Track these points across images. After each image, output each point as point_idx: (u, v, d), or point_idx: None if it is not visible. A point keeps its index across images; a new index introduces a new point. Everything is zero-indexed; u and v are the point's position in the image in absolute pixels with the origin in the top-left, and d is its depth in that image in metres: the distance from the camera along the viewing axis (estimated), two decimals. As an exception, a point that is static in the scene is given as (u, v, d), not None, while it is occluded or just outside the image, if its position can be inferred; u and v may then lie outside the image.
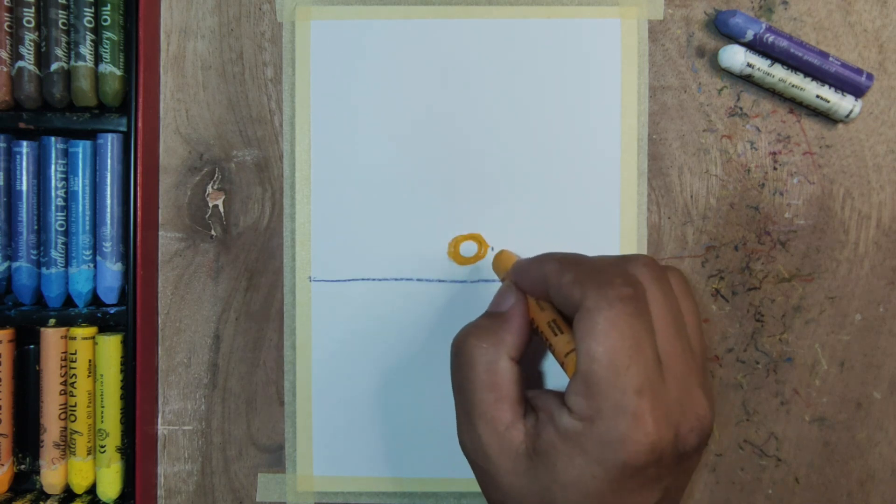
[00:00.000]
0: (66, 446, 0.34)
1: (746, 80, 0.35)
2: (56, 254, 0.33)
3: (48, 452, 0.33)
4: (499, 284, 0.35)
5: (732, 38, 0.34)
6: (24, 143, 0.33)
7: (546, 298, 0.27)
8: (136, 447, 0.33)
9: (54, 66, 0.32)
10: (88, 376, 0.33)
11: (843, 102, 0.34)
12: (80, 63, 0.32)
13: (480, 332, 0.27)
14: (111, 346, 0.33)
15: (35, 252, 0.33)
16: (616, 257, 0.26)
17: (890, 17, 0.35)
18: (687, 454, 0.24)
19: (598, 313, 0.23)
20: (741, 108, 0.35)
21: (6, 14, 0.32)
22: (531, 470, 0.24)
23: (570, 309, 0.24)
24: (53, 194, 0.33)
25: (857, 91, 0.34)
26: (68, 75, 0.33)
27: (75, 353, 0.33)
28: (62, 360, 0.33)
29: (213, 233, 0.35)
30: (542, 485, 0.23)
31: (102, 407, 0.33)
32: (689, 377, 0.24)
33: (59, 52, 0.32)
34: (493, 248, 0.35)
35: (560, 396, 0.24)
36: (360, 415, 0.35)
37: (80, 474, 0.33)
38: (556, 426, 0.23)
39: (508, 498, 0.25)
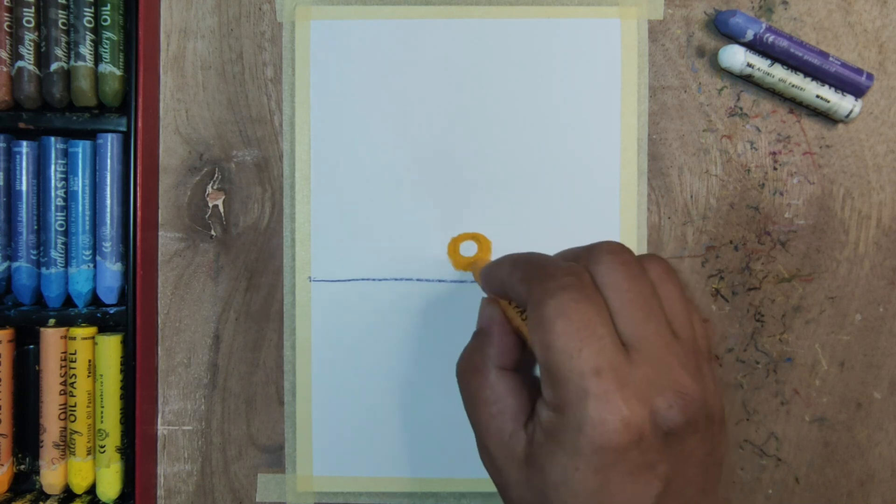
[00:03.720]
0: (65, 446, 0.34)
1: (746, 80, 0.35)
2: (56, 254, 0.33)
3: (48, 452, 0.33)
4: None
5: (732, 38, 0.34)
6: (24, 143, 0.33)
7: (510, 300, 0.27)
8: (135, 447, 0.33)
9: (54, 66, 0.32)
10: (88, 376, 0.33)
11: (843, 102, 0.34)
12: (80, 63, 0.32)
13: (467, 353, 0.27)
14: (111, 346, 0.33)
15: (35, 252, 0.33)
16: (579, 248, 0.26)
17: (890, 17, 0.35)
18: (675, 434, 0.22)
19: (543, 304, 0.23)
20: (741, 108, 0.35)
21: (6, 14, 0.32)
22: (529, 476, 0.24)
23: (522, 306, 0.24)
24: (53, 194, 0.33)
25: (857, 91, 0.34)
26: (68, 75, 0.33)
27: (75, 353, 0.33)
28: (62, 360, 0.33)
29: (212, 233, 0.35)
30: (538, 490, 0.23)
31: (102, 407, 0.33)
32: (665, 358, 0.23)
33: (59, 52, 0.32)
34: (493, 247, 0.35)
35: None
36: (359, 415, 0.35)
37: (79, 474, 0.33)
38: (541, 424, 0.23)
39: None
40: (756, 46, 0.34)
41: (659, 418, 0.22)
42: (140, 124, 0.33)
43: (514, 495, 0.24)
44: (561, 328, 0.22)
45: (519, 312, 0.27)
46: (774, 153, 0.35)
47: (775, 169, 0.35)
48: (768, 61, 0.34)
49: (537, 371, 0.29)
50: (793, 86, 0.34)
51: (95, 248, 0.33)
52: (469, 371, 0.27)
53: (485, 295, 0.29)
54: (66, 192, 0.33)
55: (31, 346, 0.34)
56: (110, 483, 0.33)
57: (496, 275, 0.27)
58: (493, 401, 0.25)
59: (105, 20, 0.32)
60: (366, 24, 0.35)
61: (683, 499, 0.23)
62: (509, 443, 0.24)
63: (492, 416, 0.25)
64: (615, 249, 0.25)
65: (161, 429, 0.36)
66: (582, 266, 0.24)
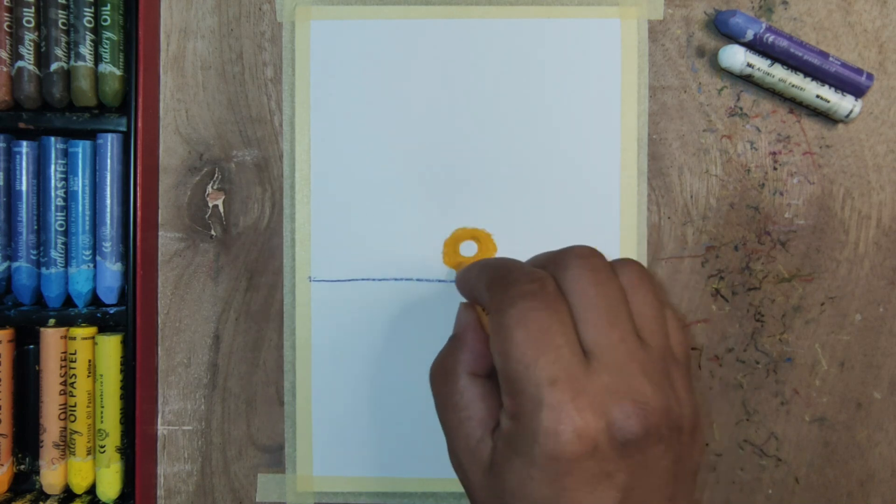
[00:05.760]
0: (65, 446, 0.34)
1: (746, 80, 0.35)
2: (56, 254, 0.33)
3: (48, 452, 0.33)
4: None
5: (732, 37, 0.34)
6: (24, 143, 0.33)
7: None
8: (135, 447, 0.33)
9: (54, 66, 0.32)
10: (88, 376, 0.33)
11: (843, 102, 0.34)
12: (80, 63, 0.32)
13: (440, 357, 0.27)
14: (111, 346, 0.33)
15: (35, 252, 0.33)
16: (549, 253, 0.26)
17: (890, 17, 0.35)
18: (634, 443, 0.22)
19: (503, 313, 0.23)
20: (741, 108, 0.35)
21: (6, 14, 0.32)
22: (491, 482, 0.24)
23: (487, 311, 0.25)
24: (53, 194, 0.33)
25: (857, 91, 0.34)
26: (68, 75, 0.33)
27: (75, 353, 0.33)
28: (62, 360, 0.33)
29: (212, 233, 0.35)
30: (498, 496, 0.23)
31: (102, 407, 0.33)
32: (627, 366, 0.23)
33: (59, 52, 0.32)
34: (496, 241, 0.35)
35: None
36: (360, 415, 0.35)
37: (79, 474, 0.33)
38: (501, 432, 0.23)
39: None
40: (756, 46, 0.34)
41: (615, 429, 0.22)
42: (140, 124, 0.33)
43: (479, 500, 0.25)
44: (519, 337, 0.22)
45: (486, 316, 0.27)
46: (774, 153, 0.35)
47: (775, 169, 0.35)
48: (768, 61, 0.34)
49: None
50: (793, 86, 0.34)
51: (95, 248, 0.33)
52: (440, 375, 0.27)
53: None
54: (66, 192, 0.33)
55: (31, 346, 0.34)
56: (110, 483, 0.33)
57: (466, 279, 0.27)
58: (462, 406, 0.25)
59: (105, 20, 0.32)
60: (366, 24, 0.35)
61: None
62: (475, 448, 0.25)
63: (460, 420, 0.25)
64: (583, 254, 0.24)
65: (161, 429, 0.36)
66: (548, 272, 0.24)
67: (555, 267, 0.24)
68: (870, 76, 0.34)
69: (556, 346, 0.22)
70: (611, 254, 0.34)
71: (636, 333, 0.24)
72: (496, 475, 0.23)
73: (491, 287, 0.24)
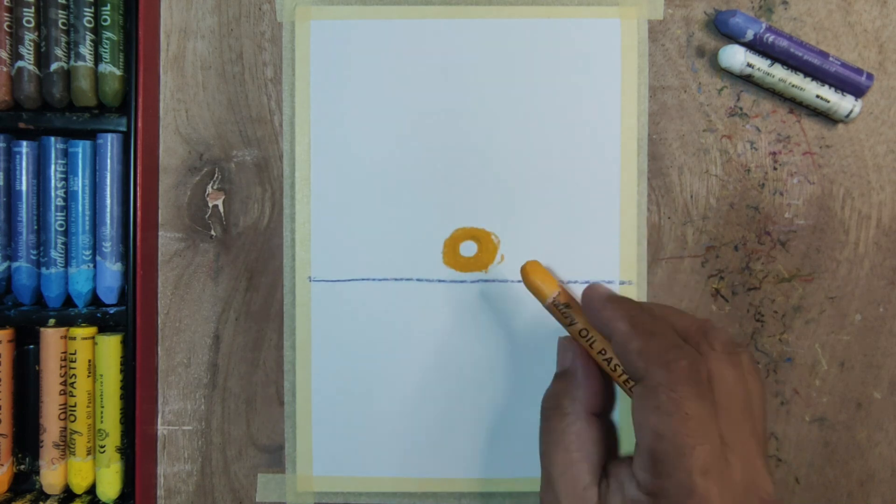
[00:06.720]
0: (65, 446, 0.34)
1: (746, 80, 0.35)
2: (56, 254, 0.33)
3: (48, 452, 0.33)
4: (500, 285, 0.35)
5: (732, 37, 0.34)
6: (24, 143, 0.33)
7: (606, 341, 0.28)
8: (135, 447, 0.33)
9: (54, 66, 0.32)
10: (88, 376, 0.33)
11: (843, 102, 0.34)
12: (80, 63, 0.32)
13: (553, 392, 0.28)
14: (111, 346, 0.33)
15: (35, 252, 0.33)
16: (690, 321, 0.26)
17: (890, 17, 0.35)
18: None
19: (662, 392, 0.23)
20: (741, 108, 0.35)
21: (6, 14, 0.32)
22: None
23: (633, 377, 0.25)
24: (53, 194, 0.33)
25: (857, 91, 0.34)
26: (68, 75, 0.33)
27: (75, 353, 0.33)
28: (62, 360, 0.33)
29: (212, 233, 0.35)
30: None
31: (102, 407, 0.33)
32: (754, 459, 0.24)
33: (59, 52, 0.32)
34: (501, 249, 0.35)
35: (629, 465, 0.25)
36: (360, 415, 0.35)
37: (79, 474, 0.33)
38: (624, 496, 0.24)
39: None
40: (756, 46, 0.34)
41: None
42: (140, 124, 0.33)
43: None
44: (678, 423, 0.23)
45: (605, 359, 0.27)
46: (774, 153, 0.35)
47: (775, 169, 0.35)
48: (768, 61, 0.34)
49: (615, 416, 0.30)
50: (793, 86, 0.34)
51: (95, 248, 0.33)
52: (556, 412, 0.27)
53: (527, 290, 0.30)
54: (66, 192, 0.33)
55: (31, 346, 0.34)
56: (110, 483, 0.33)
57: (605, 323, 0.27)
58: (575, 448, 0.26)
59: (105, 20, 0.32)
60: (366, 24, 0.35)
61: None
62: (583, 495, 0.25)
63: (571, 461, 0.26)
64: (727, 340, 0.26)
65: (161, 429, 0.36)
66: (697, 352, 0.25)
67: (697, 343, 0.25)
68: (870, 76, 0.34)
69: (711, 438, 0.23)
70: (611, 254, 0.34)
71: (755, 426, 0.25)
72: None
73: (647, 357, 0.25)
